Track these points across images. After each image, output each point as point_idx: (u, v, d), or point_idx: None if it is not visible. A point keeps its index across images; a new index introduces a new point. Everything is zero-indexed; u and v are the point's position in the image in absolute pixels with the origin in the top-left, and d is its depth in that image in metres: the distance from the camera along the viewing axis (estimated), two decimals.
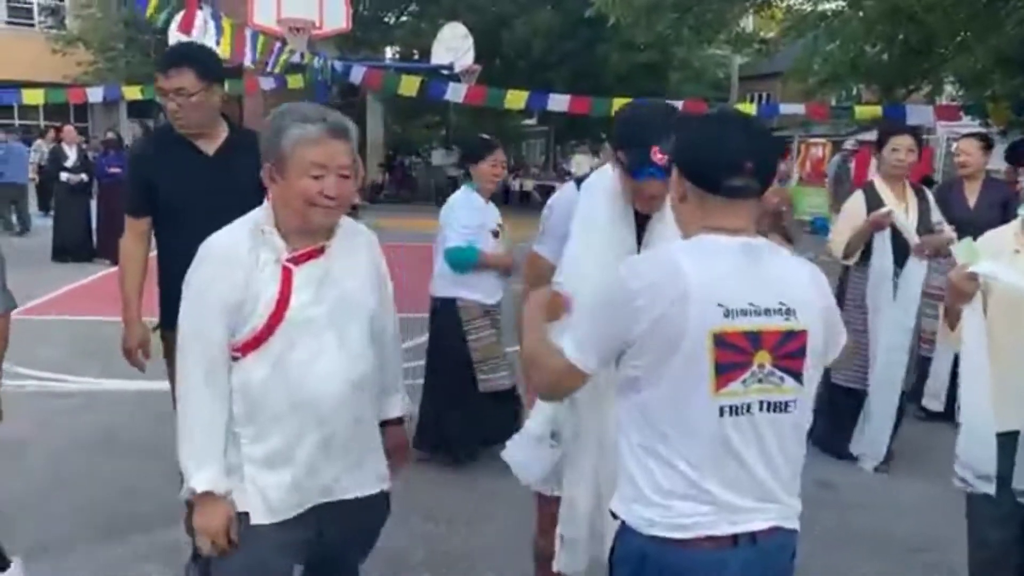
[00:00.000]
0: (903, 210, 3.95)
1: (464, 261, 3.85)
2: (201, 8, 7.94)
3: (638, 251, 2.08)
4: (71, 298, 8.11)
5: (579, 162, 17.73)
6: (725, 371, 1.41)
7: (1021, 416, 2.13)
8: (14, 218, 12.52)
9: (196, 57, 2.69)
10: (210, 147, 2.72)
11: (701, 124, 1.62)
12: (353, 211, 10.82)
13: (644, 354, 1.43)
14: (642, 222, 2.14)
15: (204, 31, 8.66)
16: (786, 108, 12.98)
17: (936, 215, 4.06)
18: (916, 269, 3.86)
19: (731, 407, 1.43)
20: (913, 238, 3.86)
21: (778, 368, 1.45)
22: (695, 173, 1.49)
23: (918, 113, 12.02)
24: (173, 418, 1.84)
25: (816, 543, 2.97)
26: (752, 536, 1.47)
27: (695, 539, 1.44)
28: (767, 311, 1.44)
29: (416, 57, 21.69)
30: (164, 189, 2.69)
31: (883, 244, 3.87)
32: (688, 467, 1.44)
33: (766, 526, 1.49)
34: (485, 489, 3.68)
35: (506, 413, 3.83)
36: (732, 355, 1.42)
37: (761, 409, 1.45)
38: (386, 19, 21.86)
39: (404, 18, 22.16)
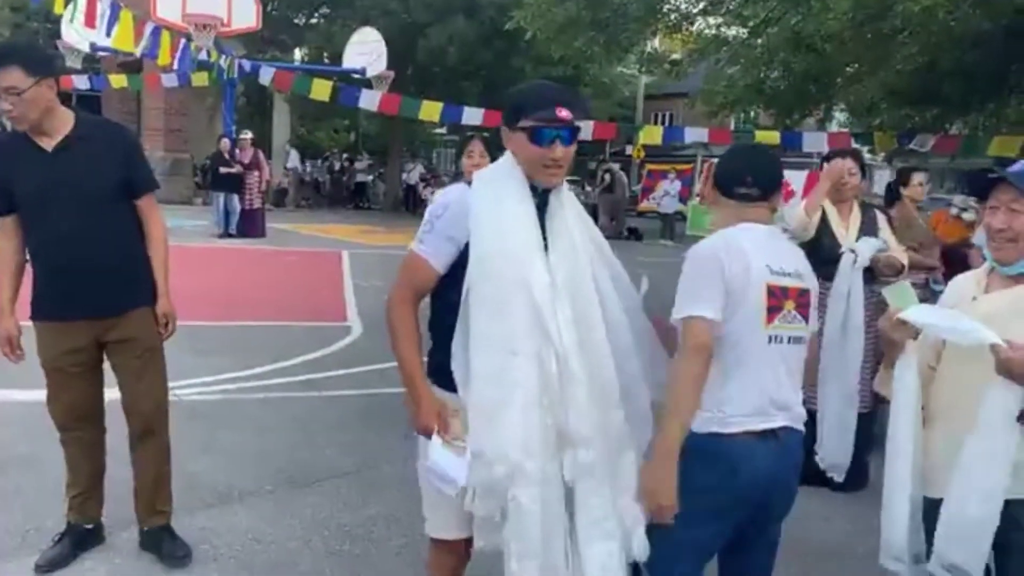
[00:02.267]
0: (845, 229, 4.03)
1: None
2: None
3: (543, 236, 2.04)
4: None
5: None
6: (771, 312, 2.04)
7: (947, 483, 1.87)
8: None
9: (22, 53, 2.72)
10: (50, 142, 2.76)
11: (725, 153, 2.41)
12: (257, 213, 10.52)
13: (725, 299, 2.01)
14: (541, 204, 2.07)
15: (98, 22, 8.25)
16: (691, 133, 13.49)
17: (884, 235, 4.07)
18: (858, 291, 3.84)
19: (774, 336, 2.04)
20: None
21: (797, 313, 2.08)
22: (719, 185, 2.20)
23: (813, 140, 12.68)
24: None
25: None
26: (775, 432, 2.04)
27: (738, 433, 2.01)
28: (789, 273, 2.08)
29: (326, 60, 21.34)
30: (17, 186, 2.76)
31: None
32: (738, 381, 2.02)
33: (784, 425, 2.07)
34: None
35: None
36: (774, 301, 2.04)
37: (787, 341, 2.07)
38: (296, 20, 21.38)
39: (315, 20, 21.73)
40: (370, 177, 25.80)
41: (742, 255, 2.01)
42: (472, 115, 12.11)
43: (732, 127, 20.68)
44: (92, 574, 2.94)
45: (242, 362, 5.85)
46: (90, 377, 2.96)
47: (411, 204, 23.91)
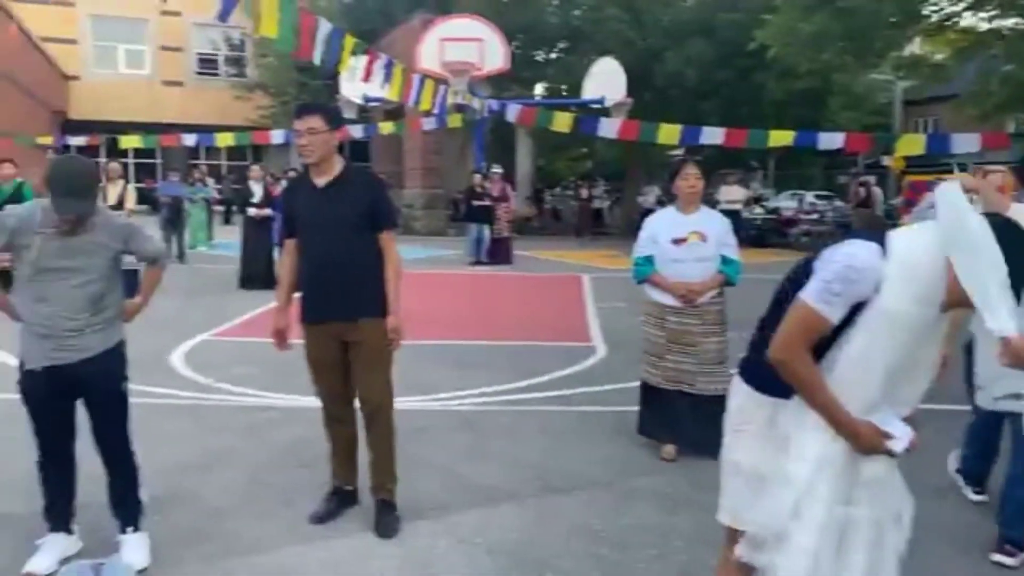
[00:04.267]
0: None
1: (636, 273, 4.63)
2: (378, 57, 8.59)
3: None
4: (258, 322, 8.86)
5: (727, 192, 17.43)
6: None
7: None
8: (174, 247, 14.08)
9: (324, 107, 3.63)
10: (322, 180, 3.48)
11: None
12: (505, 241, 11.18)
13: None
14: None
15: (374, 78, 9.34)
16: (960, 140, 11.89)
17: None
18: None
19: None
20: None
21: None
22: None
23: None
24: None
25: None
26: None
27: None
28: None
29: (564, 93, 22.21)
30: (297, 215, 3.56)
31: None
32: None
33: None
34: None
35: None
36: None
37: None
38: (536, 57, 22.48)
39: (554, 55, 22.69)
40: (607, 203, 26.31)
41: None
42: (711, 135, 11.96)
43: (1012, 129, 18.46)
44: (350, 525, 3.62)
45: (499, 377, 6.32)
46: (339, 368, 3.58)
47: None
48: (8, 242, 3.01)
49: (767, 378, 2.15)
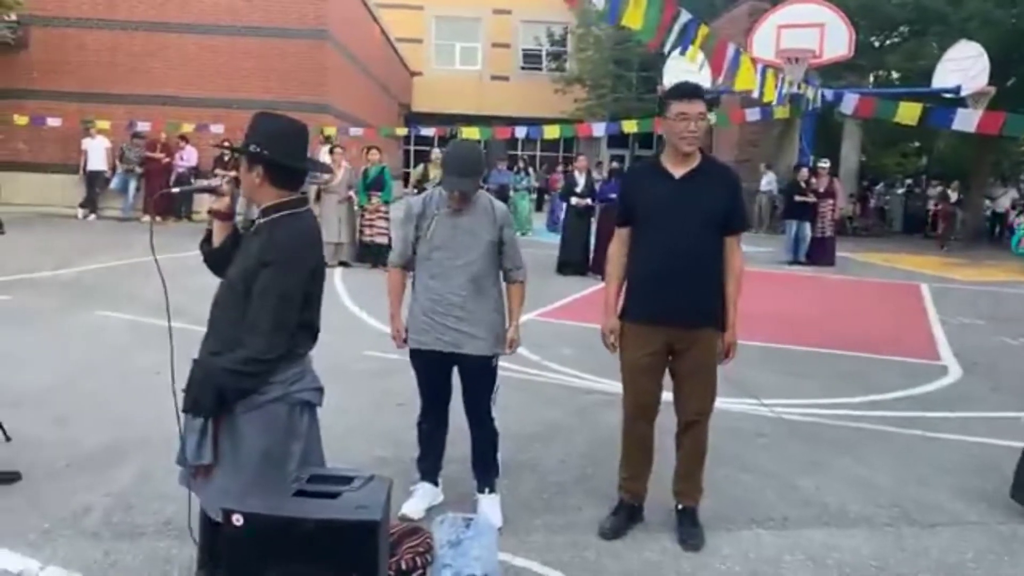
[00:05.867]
0: None
1: None
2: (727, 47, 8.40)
3: None
4: (575, 307, 9.19)
5: None
6: None
7: None
8: None
9: (703, 91, 3.26)
10: (681, 171, 3.24)
11: None
12: (828, 241, 10.37)
13: None
14: None
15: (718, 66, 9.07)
16: None
17: None
18: None
19: None
20: None
21: None
22: None
23: None
24: None
25: None
26: None
27: None
28: None
29: (895, 82, 20.06)
30: (644, 205, 3.28)
31: None
32: None
33: None
34: None
35: None
36: None
37: None
38: (875, 42, 20.53)
39: (896, 39, 20.57)
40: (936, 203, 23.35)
41: None
42: None
43: None
44: (633, 541, 3.35)
45: (833, 389, 5.87)
46: (659, 373, 3.34)
47: (998, 233, 20.94)
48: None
49: None
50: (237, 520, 1.76)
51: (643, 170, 3.56)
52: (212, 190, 2.49)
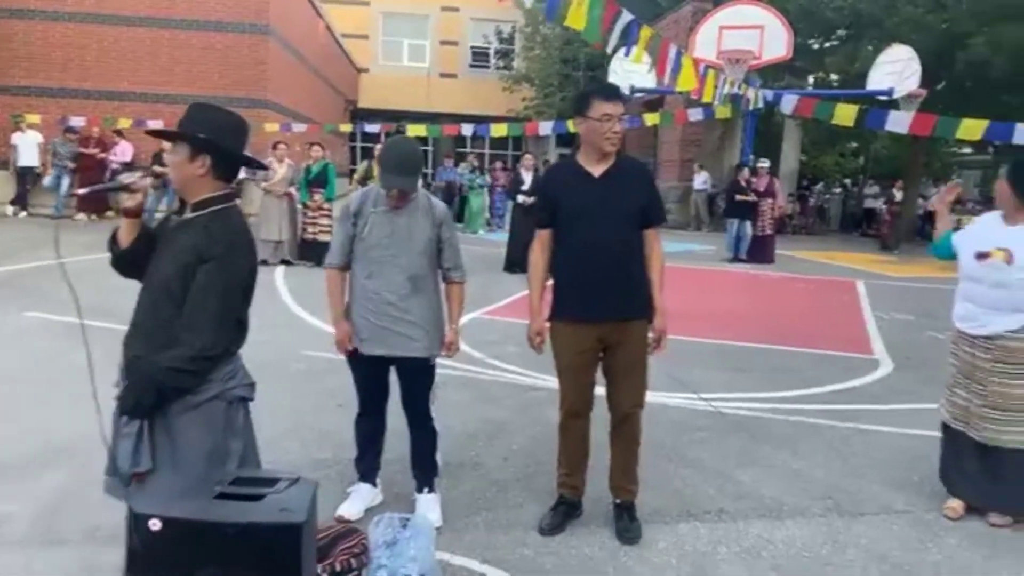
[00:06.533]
0: None
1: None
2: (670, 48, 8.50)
3: None
4: (522, 304, 9.17)
5: None
6: None
7: None
8: None
9: (623, 93, 3.31)
10: (599, 169, 3.27)
11: None
12: (768, 239, 10.55)
13: None
14: None
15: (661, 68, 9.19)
16: None
17: None
18: None
19: None
20: None
21: None
22: None
23: None
24: None
25: None
26: None
27: None
28: None
29: (833, 84, 20.58)
30: (566, 204, 3.26)
31: None
32: None
33: None
34: None
35: None
36: None
37: None
38: (814, 45, 21.03)
39: (834, 42, 21.10)
40: (881, 202, 24.08)
41: None
42: None
43: None
44: (572, 537, 3.38)
45: (771, 383, 5.99)
46: (593, 369, 3.36)
47: (929, 233, 21.61)
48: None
49: None
50: (154, 525, 1.71)
51: (561, 170, 3.56)
52: (126, 187, 2.38)
